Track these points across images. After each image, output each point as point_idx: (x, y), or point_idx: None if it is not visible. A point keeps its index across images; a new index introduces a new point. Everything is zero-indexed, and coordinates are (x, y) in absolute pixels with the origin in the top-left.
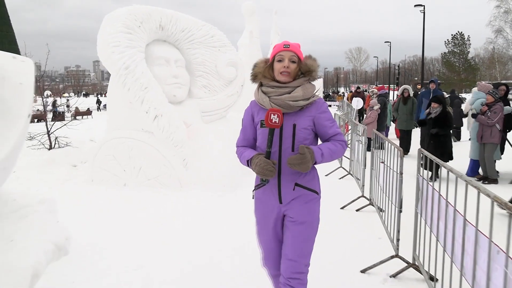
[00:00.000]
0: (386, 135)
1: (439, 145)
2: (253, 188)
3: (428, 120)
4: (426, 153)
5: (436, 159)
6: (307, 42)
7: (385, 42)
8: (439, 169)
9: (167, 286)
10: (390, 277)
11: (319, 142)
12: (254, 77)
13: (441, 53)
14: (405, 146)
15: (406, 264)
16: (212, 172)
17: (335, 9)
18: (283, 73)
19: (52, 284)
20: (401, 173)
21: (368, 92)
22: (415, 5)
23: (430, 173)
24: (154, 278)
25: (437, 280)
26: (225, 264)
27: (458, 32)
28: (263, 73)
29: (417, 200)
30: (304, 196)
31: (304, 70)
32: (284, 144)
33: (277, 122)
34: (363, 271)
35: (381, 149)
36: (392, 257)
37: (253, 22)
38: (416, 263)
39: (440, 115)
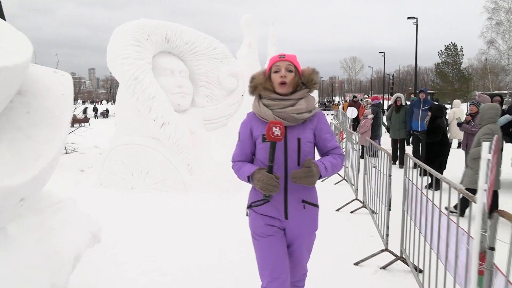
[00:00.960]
0: (379, 144)
1: (430, 152)
2: (248, 205)
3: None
4: (414, 158)
5: (424, 166)
6: (303, 51)
7: (380, 52)
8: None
9: (180, 276)
10: (380, 268)
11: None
12: (254, 89)
13: (435, 63)
14: (396, 155)
15: (394, 257)
16: (214, 176)
17: (329, 19)
18: (281, 84)
19: (79, 270)
20: (390, 175)
21: (362, 102)
22: (408, 17)
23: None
24: (168, 270)
25: (422, 271)
26: (229, 259)
27: (451, 43)
28: (264, 85)
29: (404, 199)
30: (308, 211)
31: (305, 81)
32: (289, 159)
33: (279, 135)
34: (356, 264)
35: (375, 156)
36: (382, 251)
37: (251, 33)
38: (404, 256)
39: (429, 124)
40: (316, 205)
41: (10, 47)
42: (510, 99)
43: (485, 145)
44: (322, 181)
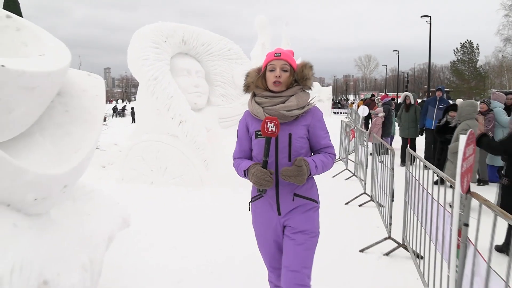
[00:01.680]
0: (391, 143)
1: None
2: (250, 200)
3: (443, 127)
4: (414, 153)
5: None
6: (316, 50)
7: (394, 51)
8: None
9: (199, 261)
10: (384, 255)
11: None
12: (247, 88)
13: (450, 61)
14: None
15: (397, 245)
16: (229, 171)
17: (343, 18)
18: (275, 83)
19: (111, 253)
20: (393, 169)
21: (375, 100)
22: (422, 16)
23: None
24: (188, 255)
25: (422, 257)
26: (243, 250)
27: (467, 40)
28: (256, 83)
29: (406, 191)
30: (304, 206)
31: (298, 78)
32: (280, 154)
33: (273, 130)
34: (361, 251)
35: (386, 154)
36: (385, 238)
37: (265, 34)
38: (405, 244)
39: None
40: (313, 200)
41: (53, 53)
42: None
43: (462, 137)
44: (332, 177)
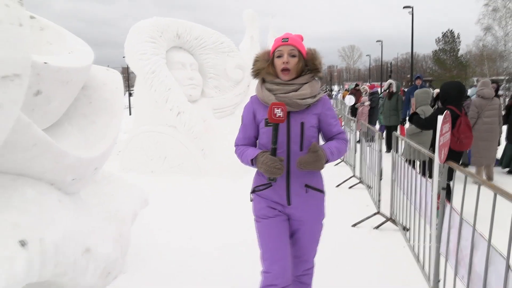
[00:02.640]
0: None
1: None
2: (252, 190)
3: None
4: (398, 135)
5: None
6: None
7: (377, 41)
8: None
9: (204, 241)
10: (374, 228)
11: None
12: (256, 73)
13: (432, 51)
14: (390, 142)
15: (385, 219)
16: (225, 160)
17: (326, 7)
18: (283, 71)
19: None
20: (380, 151)
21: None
22: (404, 7)
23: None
24: (194, 236)
25: (408, 229)
26: (241, 235)
27: (448, 30)
28: (267, 70)
29: (392, 170)
30: (313, 197)
31: (310, 67)
32: (292, 143)
33: (281, 116)
34: (353, 225)
35: (372, 141)
36: (375, 213)
37: (253, 28)
38: (393, 217)
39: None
40: (321, 191)
41: (79, 51)
42: (507, 85)
43: (439, 117)
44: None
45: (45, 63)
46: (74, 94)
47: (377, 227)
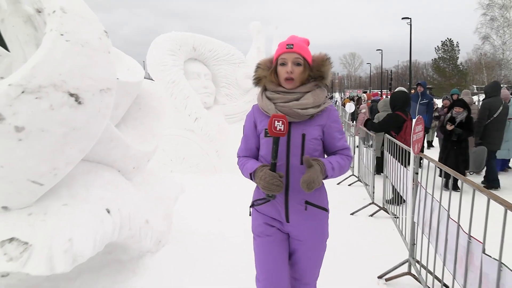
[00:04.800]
0: None
1: (460, 152)
2: (251, 204)
3: (447, 123)
4: (390, 138)
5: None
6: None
7: (377, 50)
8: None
9: (229, 226)
10: (369, 216)
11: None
12: (258, 81)
13: (432, 59)
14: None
15: (378, 208)
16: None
17: (327, 15)
18: (287, 80)
19: None
20: (374, 150)
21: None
22: (403, 18)
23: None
24: (219, 221)
25: (398, 217)
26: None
27: (448, 38)
28: (269, 78)
29: (384, 166)
30: (314, 215)
31: (314, 74)
32: (292, 156)
33: (282, 130)
34: (351, 214)
35: (371, 147)
36: (369, 204)
37: (259, 39)
38: (385, 207)
39: (466, 120)
40: (324, 208)
41: (134, 68)
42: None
43: (414, 120)
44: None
45: (117, 78)
46: (130, 102)
47: (371, 215)
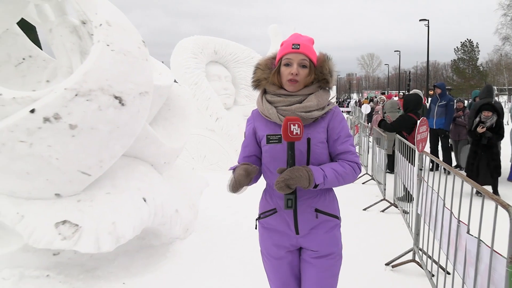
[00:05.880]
0: None
1: (492, 157)
2: (257, 217)
3: (475, 129)
4: (402, 139)
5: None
6: (319, 48)
7: (395, 51)
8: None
9: (246, 217)
10: (380, 212)
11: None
12: (257, 84)
13: (451, 60)
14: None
15: (389, 204)
16: None
17: (341, 16)
18: (290, 81)
19: None
20: (385, 149)
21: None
22: (420, 20)
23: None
24: (236, 214)
25: (408, 212)
26: None
27: (467, 39)
28: (271, 80)
29: (395, 165)
30: (325, 223)
31: (318, 77)
32: (297, 162)
33: (298, 133)
34: (364, 209)
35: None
36: (381, 200)
37: (278, 41)
38: (395, 203)
39: (496, 124)
40: (335, 216)
41: (164, 73)
42: None
43: (418, 122)
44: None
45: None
46: (162, 103)
47: (383, 211)
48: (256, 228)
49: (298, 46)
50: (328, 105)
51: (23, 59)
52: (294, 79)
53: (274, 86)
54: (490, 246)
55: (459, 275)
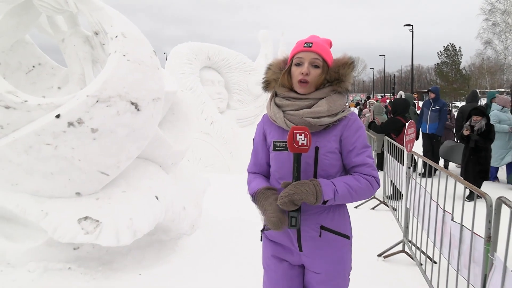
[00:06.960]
0: None
1: (479, 161)
2: (262, 228)
3: (465, 133)
4: (390, 140)
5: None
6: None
7: (380, 55)
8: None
9: (248, 214)
10: (371, 209)
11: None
12: (267, 85)
13: (435, 64)
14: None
15: (379, 201)
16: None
17: (329, 21)
18: (300, 83)
19: None
20: (374, 150)
21: (367, 103)
22: (404, 25)
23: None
24: (240, 211)
25: (396, 209)
26: None
27: (450, 43)
28: (281, 82)
29: (384, 165)
30: (332, 243)
31: (331, 78)
32: (303, 174)
33: (305, 144)
34: (355, 207)
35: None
36: (371, 198)
37: (267, 46)
38: (385, 201)
39: (486, 127)
40: (345, 236)
41: (169, 80)
42: (509, 96)
43: (407, 124)
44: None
45: None
46: (167, 108)
47: (373, 208)
48: (261, 240)
49: (310, 45)
50: (342, 111)
51: (33, 66)
52: (304, 80)
53: (284, 88)
54: (470, 229)
55: (445, 257)
